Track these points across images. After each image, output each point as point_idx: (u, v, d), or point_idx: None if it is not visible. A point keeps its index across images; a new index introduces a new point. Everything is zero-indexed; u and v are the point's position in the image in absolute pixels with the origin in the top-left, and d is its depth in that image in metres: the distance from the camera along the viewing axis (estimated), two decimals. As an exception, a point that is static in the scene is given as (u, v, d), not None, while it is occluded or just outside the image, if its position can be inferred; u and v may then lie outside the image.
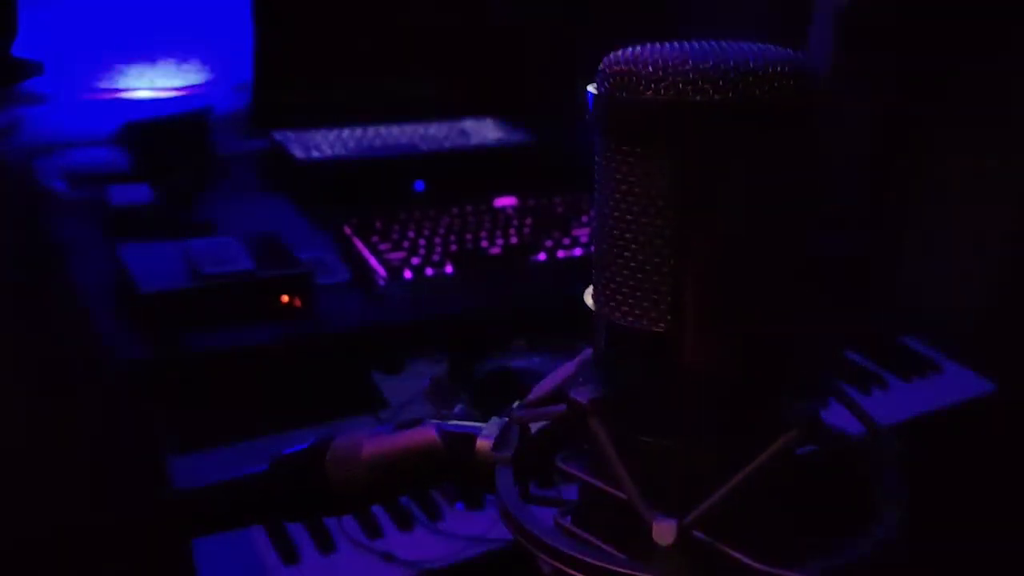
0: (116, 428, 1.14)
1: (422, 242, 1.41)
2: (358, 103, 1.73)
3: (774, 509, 0.37)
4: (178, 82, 1.72)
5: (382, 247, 1.39)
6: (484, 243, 1.43)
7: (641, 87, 0.33)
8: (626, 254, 0.35)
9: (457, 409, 0.45)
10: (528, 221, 1.51)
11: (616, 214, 0.36)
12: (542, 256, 1.44)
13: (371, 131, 1.70)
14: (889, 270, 1.70)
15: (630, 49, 0.35)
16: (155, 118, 1.61)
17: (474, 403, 1.23)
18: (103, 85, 1.66)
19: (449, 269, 1.37)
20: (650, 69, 0.33)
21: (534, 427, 0.43)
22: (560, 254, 1.45)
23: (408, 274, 1.35)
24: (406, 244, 1.40)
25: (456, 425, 0.43)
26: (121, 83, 1.67)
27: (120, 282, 1.25)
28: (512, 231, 1.48)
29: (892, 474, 0.37)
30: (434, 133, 1.73)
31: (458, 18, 1.76)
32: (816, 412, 0.35)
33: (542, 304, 1.37)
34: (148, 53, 1.68)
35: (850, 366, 1.46)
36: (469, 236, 1.45)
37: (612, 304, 0.36)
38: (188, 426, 1.14)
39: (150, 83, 1.69)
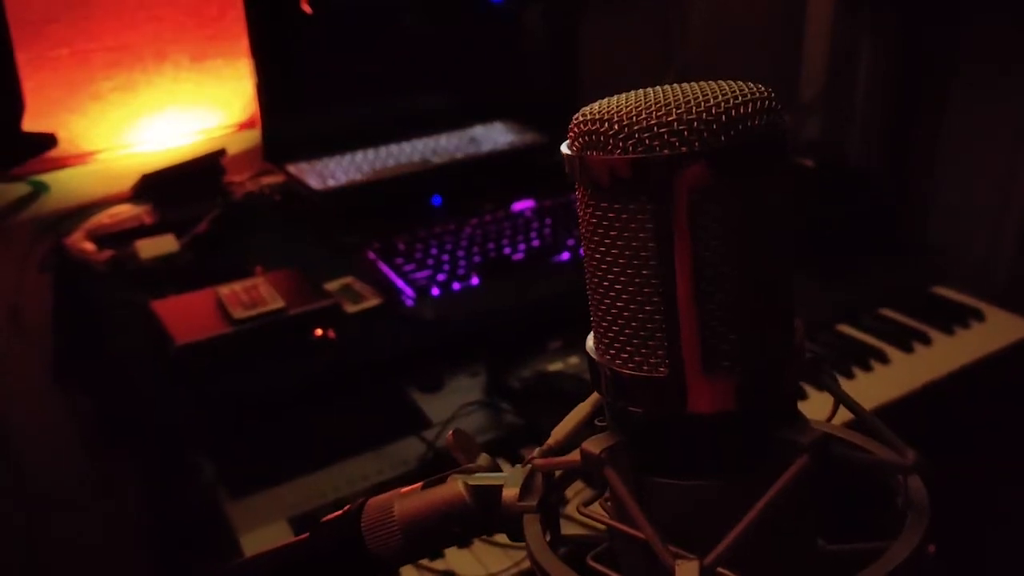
0: (170, 484, 1.16)
1: (445, 257, 1.42)
2: (366, 125, 1.74)
3: (796, 536, 0.38)
4: (187, 128, 1.74)
5: (407, 268, 1.40)
6: (507, 250, 1.44)
7: (610, 146, 0.34)
8: (618, 304, 0.36)
9: (481, 459, 0.46)
10: (548, 222, 1.52)
11: (603, 266, 0.36)
12: (565, 256, 1.44)
13: (383, 151, 1.72)
14: (916, 221, 1.69)
15: (596, 105, 0.36)
16: (170, 168, 1.63)
17: (517, 412, 1.25)
18: (115, 143, 1.69)
19: (475, 281, 1.38)
20: (616, 128, 0.34)
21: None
22: (583, 251, 1.45)
23: (435, 291, 1.36)
24: (430, 261, 1.42)
25: (482, 477, 0.44)
26: (132, 138, 1.70)
27: (156, 336, 1.27)
28: (533, 234, 1.48)
29: (914, 485, 0.37)
30: (445, 145, 1.74)
31: (452, 26, 1.77)
32: (824, 434, 0.35)
33: (572, 303, 1.36)
34: (154, 104, 1.71)
35: (889, 324, 1.45)
36: (491, 245, 1.46)
37: (612, 353, 0.37)
38: (240, 471, 1.17)
39: (160, 134, 1.72)
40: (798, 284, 0.37)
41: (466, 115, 1.82)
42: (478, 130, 1.80)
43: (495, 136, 1.78)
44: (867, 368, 1.34)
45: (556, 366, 1.31)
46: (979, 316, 1.47)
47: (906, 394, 1.31)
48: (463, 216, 1.54)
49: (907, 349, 1.39)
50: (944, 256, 1.62)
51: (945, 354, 1.40)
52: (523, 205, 1.59)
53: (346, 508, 0.47)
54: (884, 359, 1.36)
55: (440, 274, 1.39)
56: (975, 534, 1.35)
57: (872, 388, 1.32)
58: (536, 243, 1.46)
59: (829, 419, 0.42)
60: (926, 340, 1.41)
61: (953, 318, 1.45)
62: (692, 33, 1.88)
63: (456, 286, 1.37)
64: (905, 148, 1.74)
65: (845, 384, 1.31)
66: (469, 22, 1.80)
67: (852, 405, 0.40)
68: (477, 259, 1.42)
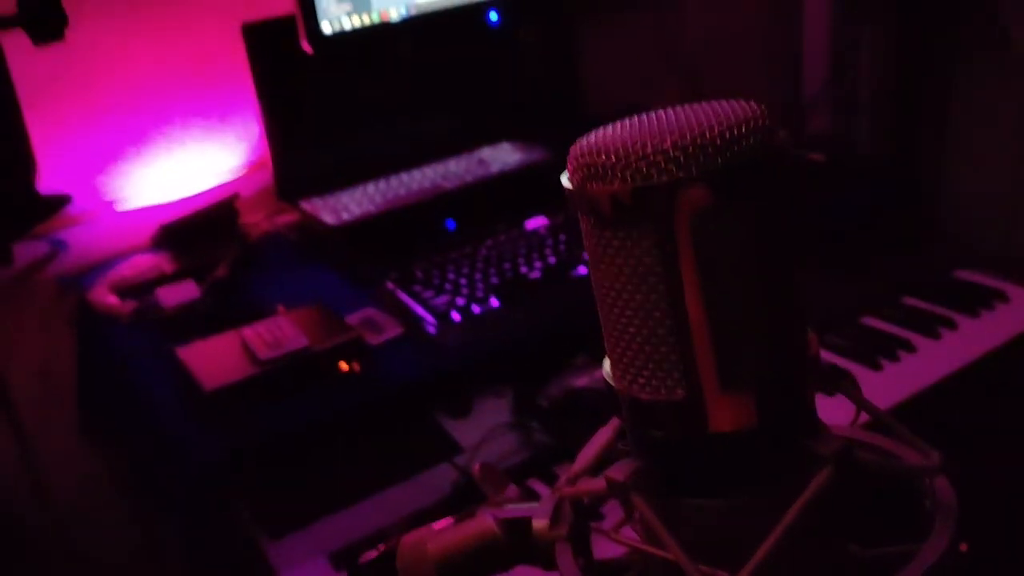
0: (209, 531, 1.17)
1: (463, 281, 1.43)
2: (375, 155, 1.76)
3: (826, 545, 0.38)
4: (200, 174, 1.76)
5: (426, 295, 1.41)
6: (524, 269, 1.45)
7: (609, 176, 0.34)
8: (631, 330, 0.36)
9: (509, 491, 0.46)
10: (562, 238, 1.52)
11: (613, 293, 0.37)
12: (582, 270, 1.44)
13: (393, 180, 1.73)
14: (930, 207, 1.68)
15: (592, 136, 0.36)
16: (187, 216, 1.65)
17: (547, 431, 1.25)
18: (130, 194, 1.71)
19: (494, 302, 1.38)
20: (613, 159, 0.34)
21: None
22: (592, 280, 1.45)
23: (456, 316, 1.36)
24: (448, 287, 1.42)
25: (511, 509, 0.44)
26: (146, 188, 1.72)
27: (184, 383, 1.28)
28: (548, 251, 1.49)
29: (941, 486, 0.37)
30: (454, 169, 1.75)
31: (452, 51, 1.78)
32: (847, 444, 0.36)
33: (592, 317, 1.36)
34: (165, 152, 1.73)
35: (913, 312, 1.44)
36: (507, 265, 1.46)
37: (629, 378, 0.37)
38: (277, 510, 1.17)
39: (174, 181, 1.74)
40: (818, 279, 0.37)
41: (473, 137, 1.83)
42: (486, 151, 1.81)
43: (503, 156, 1.79)
44: (894, 359, 1.34)
45: (582, 381, 1.30)
46: (1003, 297, 1.45)
47: (937, 381, 1.30)
48: (478, 238, 1.55)
49: (933, 336, 1.38)
50: (962, 240, 1.61)
51: (972, 338, 1.39)
52: (536, 223, 1.60)
53: (381, 548, 0.47)
54: (911, 348, 1.35)
55: (459, 298, 1.39)
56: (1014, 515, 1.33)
57: (901, 378, 1.31)
58: (552, 260, 1.46)
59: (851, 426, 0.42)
60: (952, 325, 1.40)
61: (977, 301, 1.44)
62: (692, 29, 1.88)
63: (476, 309, 1.37)
64: (913, 134, 1.73)
65: (872, 377, 1.31)
66: (468, 45, 1.81)
67: (874, 411, 0.40)
68: (495, 280, 1.42)
